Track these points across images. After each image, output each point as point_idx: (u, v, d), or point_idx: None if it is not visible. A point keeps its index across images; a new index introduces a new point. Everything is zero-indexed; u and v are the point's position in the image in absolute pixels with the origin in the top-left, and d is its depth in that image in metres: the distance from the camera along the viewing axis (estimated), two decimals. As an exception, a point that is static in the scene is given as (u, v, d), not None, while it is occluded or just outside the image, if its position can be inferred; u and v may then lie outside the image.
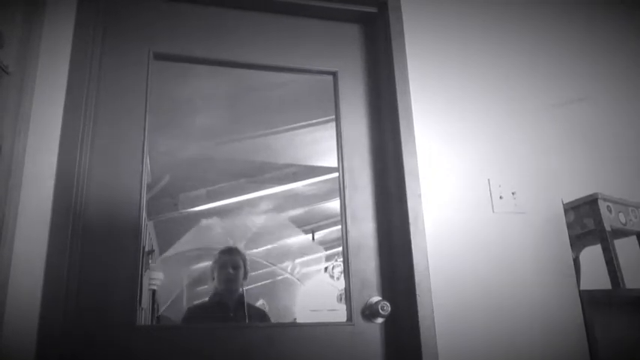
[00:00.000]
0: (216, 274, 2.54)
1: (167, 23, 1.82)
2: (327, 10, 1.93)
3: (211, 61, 1.85)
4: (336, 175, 1.84)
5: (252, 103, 2.95)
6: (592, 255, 1.95)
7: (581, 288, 1.77)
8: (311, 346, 1.62)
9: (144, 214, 1.63)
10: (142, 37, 1.78)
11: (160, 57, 1.78)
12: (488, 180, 1.81)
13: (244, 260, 2.55)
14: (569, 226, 1.89)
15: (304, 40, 1.94)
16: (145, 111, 1.70)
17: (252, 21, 1.91)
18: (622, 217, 1.97)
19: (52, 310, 1.36)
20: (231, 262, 2.51)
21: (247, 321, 2.31)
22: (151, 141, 1.71)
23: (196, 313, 2.50)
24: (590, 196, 1.93)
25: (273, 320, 2.61)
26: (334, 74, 1.92)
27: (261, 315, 2.58)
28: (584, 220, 1.93)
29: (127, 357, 1.48)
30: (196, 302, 2.63)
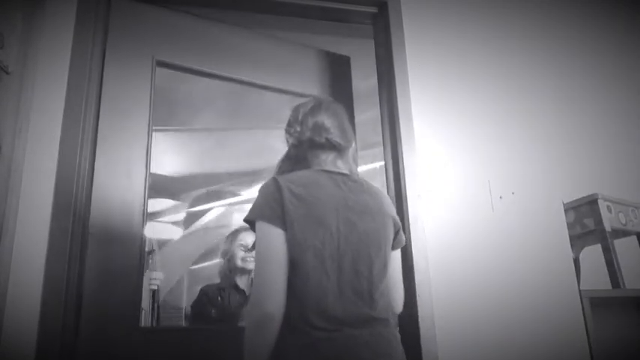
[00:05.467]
0: (232, 253, 2.36)
1: (169, 29, 1.81)
2: (328, 10, 1.93)
3: (212, 76, 1.88)
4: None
5: (253, 103, 2.95)
6: (592, 255, 1.95)
7: (581, 288, 1.77)
8: (311, 346, 1.62)
9: (146, 214, 1.63)
10: (143, 39, 1.77)
11: (163, 64, 1.78)
12: (488, 180, 1.81)
13: None
14: (569, 226, 1.88)
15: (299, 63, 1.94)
16: (150, 112, 1.69)
17: (252, 40, 1.93)
18: (622, 217, 1.97)
19: (52, 311, 1.36)
20: (252, 240, 2.29)
21: None
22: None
23: (212, 297, 2.33)
24: (590, 196, 1.93)
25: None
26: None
27: None
28: (584, 220, 1.93)
29: (129, 358, 1.48)
30: (208, 284, 2.45)
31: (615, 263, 1.85)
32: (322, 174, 1.25)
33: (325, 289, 1.11)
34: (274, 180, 1.19)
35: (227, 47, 1.88)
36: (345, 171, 1.29)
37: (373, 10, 1.95)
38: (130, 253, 1.56)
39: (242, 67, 1.88)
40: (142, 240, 1.60)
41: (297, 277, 1.11)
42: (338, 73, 2.03)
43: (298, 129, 1.30)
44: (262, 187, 1.19)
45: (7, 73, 1.37)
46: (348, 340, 1.09)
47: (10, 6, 1.44)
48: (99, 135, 1.62)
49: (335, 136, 1.28)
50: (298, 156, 1.29)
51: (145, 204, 1.61)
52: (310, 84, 1.96)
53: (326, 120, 1.29)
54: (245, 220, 1.18)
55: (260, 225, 1.14)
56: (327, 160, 1.28)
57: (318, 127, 1.28)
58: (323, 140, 1.27)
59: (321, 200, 1.18)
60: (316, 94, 1.92)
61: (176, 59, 1.79)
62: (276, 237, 1.12)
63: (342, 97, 1.88)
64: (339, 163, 1.29)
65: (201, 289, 2.42)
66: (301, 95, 1.93)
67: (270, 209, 1.14)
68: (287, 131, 1.34)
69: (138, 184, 1.62)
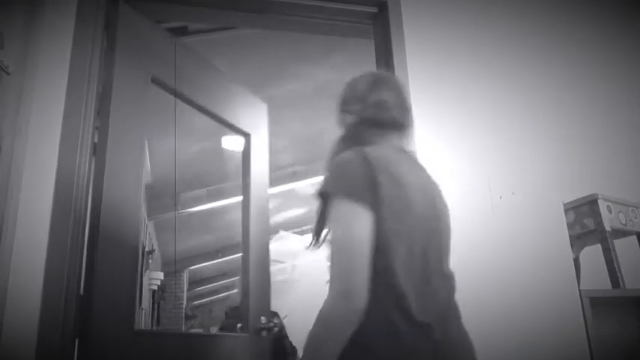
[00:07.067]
0: None
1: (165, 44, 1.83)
2: (328, 10, 1.93)
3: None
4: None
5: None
6: (592, 255, 1.95)
7: (581, 288, 1.77)
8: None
9: (144, 215, 1.63)
10: (144, 42, 1.77)
11: (157, 82, 1.80)
12: (488, 180, 1.81)
13: None
14: (569, 226, 1.88)
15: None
16: (147, 113, 1.70)
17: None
18: (622, 217, 1.97)
19: (52, 311, 1.36)
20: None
21: None
22: (151, 141, 1.71)
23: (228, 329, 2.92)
24: (590, 196, 1.93)
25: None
26: (334, 74, 1.93)
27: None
28: (584, 220, 1.93)
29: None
30: (231, 307, 3.03)
31: (615, 263, 1.85)
32: (400, 152, 1.12)
33: (417, 280, 1.00)
34: (360, 153, 1.02)
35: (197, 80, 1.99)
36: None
37: (373, 10, 1.95)
38: (130, 255, 1.56)
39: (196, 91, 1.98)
40: (142, 240, 1.60)
41: (391, 263, 0.96)
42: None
43: (358, 106, 1.16)
44: (344, 160, 1.03)
45: (8, 73, 1.37)
46: (442, 337, 1.00)
47: (10, 6, 1.45)
48: (98, 135, 1.62)
49: (398, 115, 1.15)
50: (357, 136, 1.13)
51: (142, 204, 1.61)
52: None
53: (389, 97, 1.16)
54: (319, 193, 1.05)
55: (342, 202, 0.98)
56: (393, 140, 1.14)
57: (381, 105, 1.14)
58: (388, 118, 1.14)
59: (408, 180, 1.03)
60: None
61: (169, 77, 1.85)
62: (363, 219, 0.95)
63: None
64: (404, 144, 1.16)
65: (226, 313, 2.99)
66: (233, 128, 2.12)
67: (357, 186, 0.98)
68: (343, 109, 1.19)
69: (137, 184, 1.62)
